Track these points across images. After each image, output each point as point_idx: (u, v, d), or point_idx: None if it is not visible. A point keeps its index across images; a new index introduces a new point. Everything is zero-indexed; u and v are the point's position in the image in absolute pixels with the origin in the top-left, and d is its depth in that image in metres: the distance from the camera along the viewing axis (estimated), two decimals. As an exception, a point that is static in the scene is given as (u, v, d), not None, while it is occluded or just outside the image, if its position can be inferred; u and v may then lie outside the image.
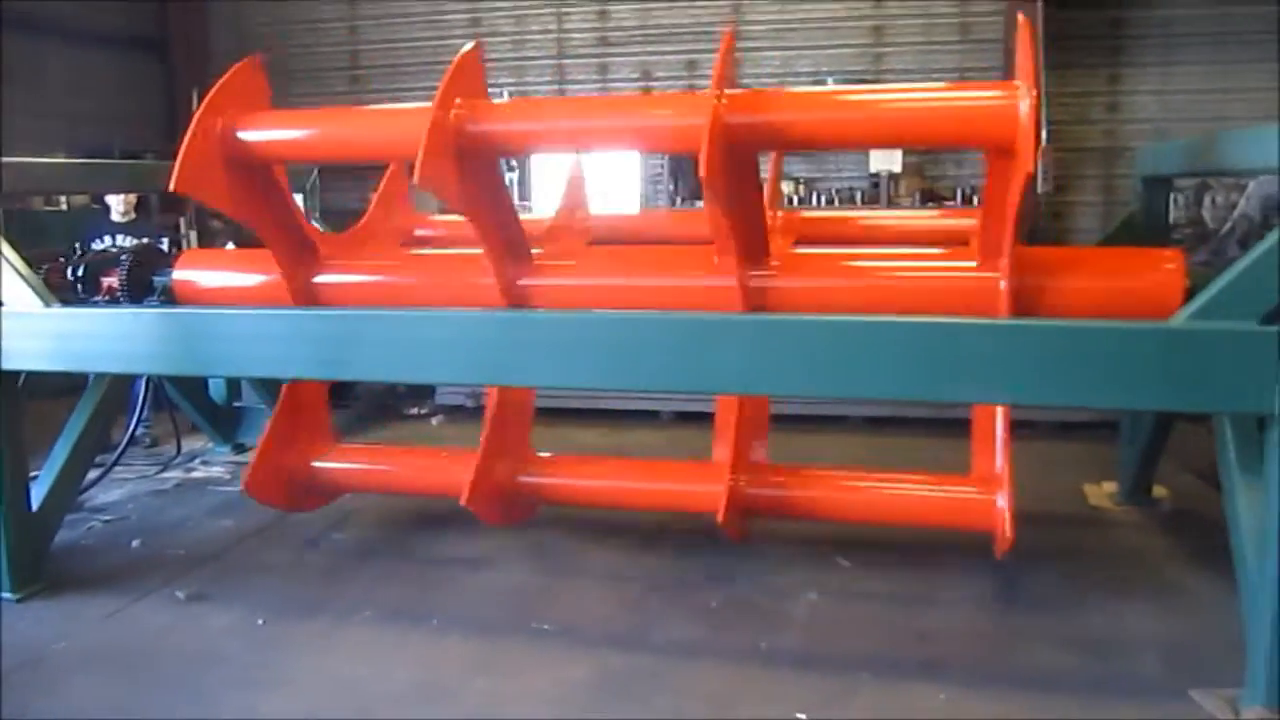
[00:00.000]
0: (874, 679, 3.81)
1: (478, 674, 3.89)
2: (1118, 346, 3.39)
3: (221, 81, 4.44)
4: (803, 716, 3.54)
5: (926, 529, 4.95)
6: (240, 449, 7.24)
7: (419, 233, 6.19)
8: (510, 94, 10.70)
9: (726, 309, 4.17)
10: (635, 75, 11.34)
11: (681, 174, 10.79)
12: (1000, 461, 4.42)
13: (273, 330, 4.33)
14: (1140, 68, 10.01)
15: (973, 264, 4.40)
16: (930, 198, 10.36)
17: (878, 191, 10.41)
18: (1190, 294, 3.62)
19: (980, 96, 4.02)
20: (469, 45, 4.28)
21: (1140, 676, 3.81)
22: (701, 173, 3.66)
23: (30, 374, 4.81)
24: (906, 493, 4.88)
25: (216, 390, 7.30)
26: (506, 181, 9.94)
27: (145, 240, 6.45)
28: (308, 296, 4.82)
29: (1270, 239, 3.30)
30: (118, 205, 7.37)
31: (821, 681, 3.80)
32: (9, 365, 4.51)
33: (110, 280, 5.70)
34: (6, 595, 4.60)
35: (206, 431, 7.31)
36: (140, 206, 8.09)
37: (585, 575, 4.91)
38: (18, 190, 8.33)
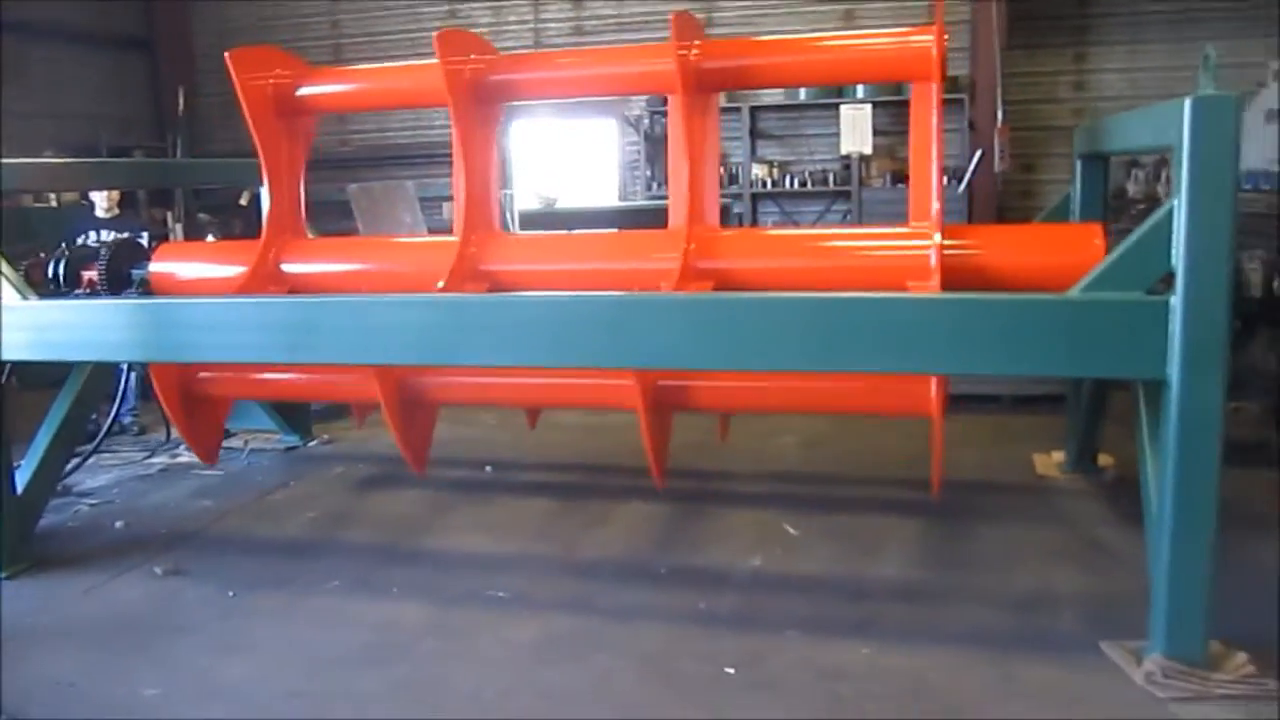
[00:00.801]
0: (803, 635, 4.03)
1: (428, 637, 4.12)
2: (1017, 317, 3.59)
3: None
4: (731, 670, 3.78)
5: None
6: (225, 434, 7.47)
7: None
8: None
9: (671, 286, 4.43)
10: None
11: (657, 160, 10.98)
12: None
13: (235, 318, 4.53)
14: (1107, 46, 10.16)
15: (907, 242, 4.67)
16: (900, 178, 10.54)
17: (849, 174, 10.59)
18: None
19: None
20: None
21: (1057, 631, 4.02)
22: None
23: (21, 366, 5.05)
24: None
25: (200, 379, 7.53)
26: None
27: (125, 235, 6.70)
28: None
29: (1158, 213, 3.50)
30: (101, 201, 7.61)
31: (753, 639, 4.02)
32: (-11, 356, 4.74)
33: (90, 274, 5.97)
34: (-6, 574, 4.85)
35: (191, 419, 7.54)
36: (128, 202, 8.34)
37: (543, 546, 5.13)
38: (14, 189, 8.64)
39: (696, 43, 4.95)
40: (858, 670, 3.75)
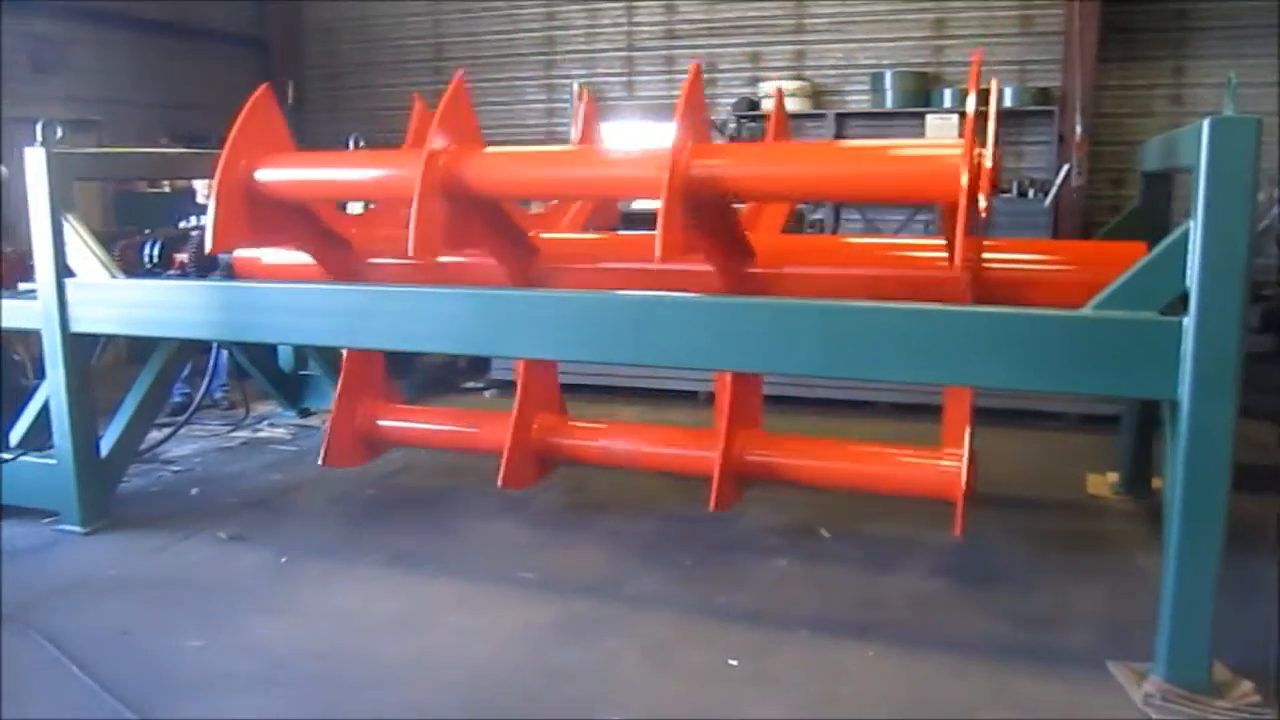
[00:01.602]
0: (810, 634, 4.13)
1: (454, 611, 4.36)
2: (1029, 332, 3.62)
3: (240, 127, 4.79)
4: (734, 662, 3.90)
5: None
6: (305, 413, 7.91)
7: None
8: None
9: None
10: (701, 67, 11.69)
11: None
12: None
13: (300, 303, 4.86)
14: (1206, 60, 9.84)
15: (943, 254, 4.70)
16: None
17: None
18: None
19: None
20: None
21: (1065, 648, 4.02)
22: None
23: (132, 342, 5.42)
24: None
25: (285, 359, 7.98)
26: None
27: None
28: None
29: (1174, 234, 3.48)
30: (202, 188, 8.07)
31: (762, 635, 4.13)
32: (76, 329, 5.16)
33: (181, 256, 6.39)
34: (76, 528, 5.28)
35: (274, 397, 7.99)
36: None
37: (579, 535, 5.33)
38: (120, 177, 9.27)
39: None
40: (857, 671, 3.84)
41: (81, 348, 5.31)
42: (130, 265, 5.89)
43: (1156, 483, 5.88)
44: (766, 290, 4.76)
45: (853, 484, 5.06)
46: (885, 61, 10.80)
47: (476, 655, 3.97)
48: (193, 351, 6.42)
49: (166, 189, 10.41)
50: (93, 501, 5.36)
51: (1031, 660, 3.91)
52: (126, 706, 3.54)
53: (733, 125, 11.28)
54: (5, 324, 5.48)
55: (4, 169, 7.91)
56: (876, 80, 10.82)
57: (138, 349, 6.73)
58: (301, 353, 7.97)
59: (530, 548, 5.14)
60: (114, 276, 5.20)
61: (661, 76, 11.73)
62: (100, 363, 6.60)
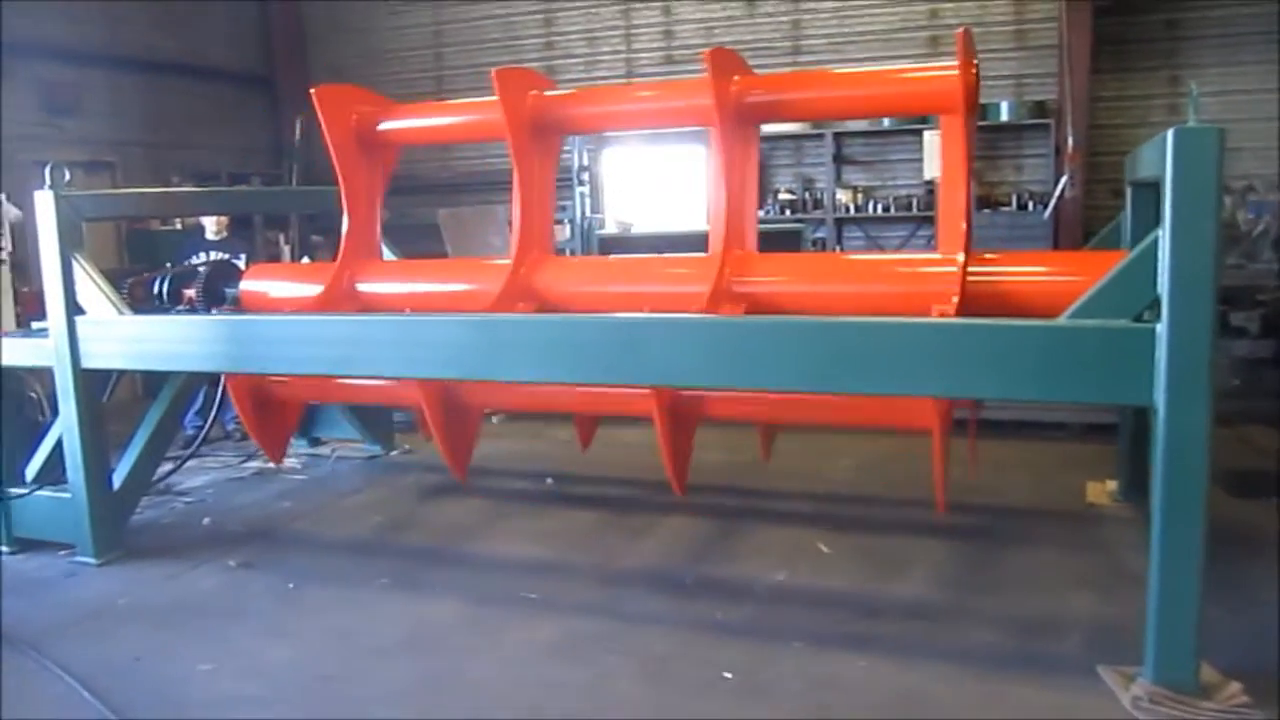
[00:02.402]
0: (805, 647, 4.19)
1: (459, 632, 4.44)
2: (1005, 342, 3.69)
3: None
4: (729, 675, 3.97)
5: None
6: (315, 442, 8.03)
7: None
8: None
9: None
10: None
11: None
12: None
13: (297, 334, 4.99)
14: (1201, 68, 9.91)
15: (932, 269, 4.80)
16: (986, 204, 10.49)
17: (934, 199, 10.58)
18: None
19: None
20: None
21: (1057, 654, 4.06)
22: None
23: (146, 377, 5.57)
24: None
25: (294, 390, 8.11)
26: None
27: (223, 256, 7.33)
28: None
29: (1145, 242, 3.56)
30: (211, 225, 8.25)
31: (758, 648, 4.19)
32: (87, 365, 5.30)
33: (189, 291, 6.55)
34: (91, 560, 5.40)
35: (285, 427, 8.12)
36: (242, 225, 8.99)
37: (581, 554, 5.41)
38: (128, 216, 9.48)
39: (736, 78, 5.20)
40: (849, 681, 3.89)
41: (92, 383, 5.45)
42: (140, 301, 6.06)
43: (1155, 489, 5.92)
44: (761, 308, 4.86)
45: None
46: (882, 80, 10.91)
47: (478, 674, 4.05)
48: (204, 384, 6.57)
49: (178, 226, 10.62)
50: (106, 533, 5.49)
51: (1024, 667, 3.95)
52: (136, 730, 3.64)
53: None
54: (20, 361, 5.63)
55: (19, 210, 8.13)
56: (874, 99, 10.91)
57: (152, 384, 6.89)
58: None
59: (531, 568, 5.22)
60: (121, 313, 5.35)
61: (661, 102, 11.86)
62: (115, 398, 6.75)
